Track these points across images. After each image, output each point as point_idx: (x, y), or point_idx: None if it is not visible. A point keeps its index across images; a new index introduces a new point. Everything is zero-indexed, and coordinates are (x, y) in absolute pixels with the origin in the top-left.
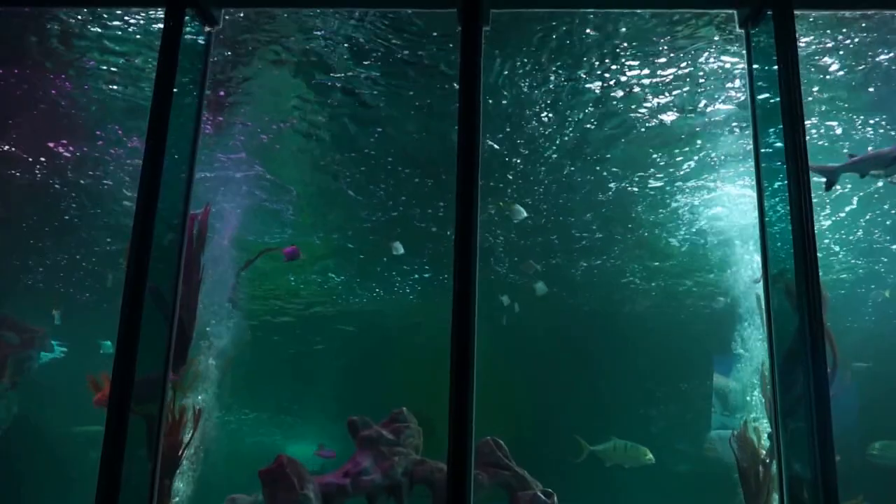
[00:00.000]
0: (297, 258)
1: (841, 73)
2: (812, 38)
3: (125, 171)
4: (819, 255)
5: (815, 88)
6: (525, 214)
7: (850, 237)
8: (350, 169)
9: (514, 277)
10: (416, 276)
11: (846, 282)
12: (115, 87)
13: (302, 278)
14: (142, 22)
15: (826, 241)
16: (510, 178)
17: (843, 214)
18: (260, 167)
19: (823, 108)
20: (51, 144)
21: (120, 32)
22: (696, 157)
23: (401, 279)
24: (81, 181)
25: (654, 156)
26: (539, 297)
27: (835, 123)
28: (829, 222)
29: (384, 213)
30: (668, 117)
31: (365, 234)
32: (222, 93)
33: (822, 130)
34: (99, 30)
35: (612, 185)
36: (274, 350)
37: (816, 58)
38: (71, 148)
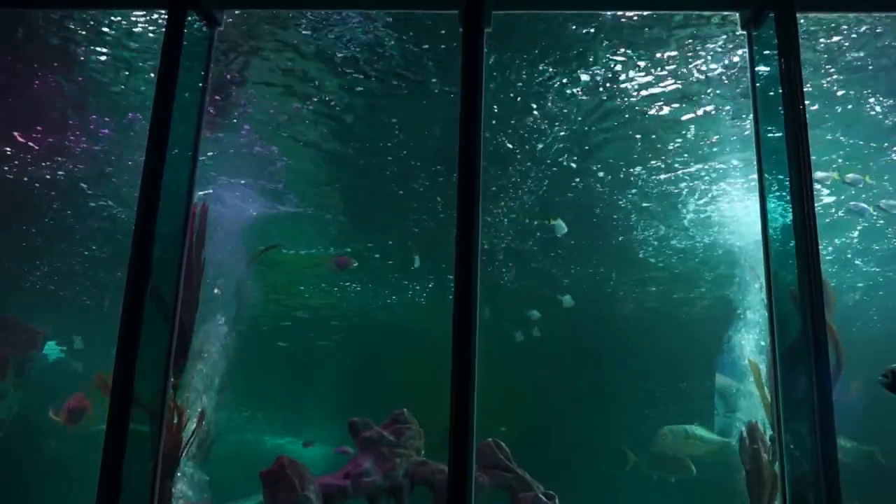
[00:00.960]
0: (349, 267)
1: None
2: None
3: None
4: (831, 268)
5: (838, 75)
6: (566, 229)
7: (875, 246)
8: (373, 173)
9: (510, 284)
10: (431, 283)
11: (860, 289)
12: (105, 80)
13: (313, 288)
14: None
15: (849, 254)
16: (511, 177)
17: (882, 222)
18: (274, 149)
19: (848, 91)
20: (19, 137)
21: (116, 19)
22: (696, 158)
23: (419, 286)
24: (47, 176)
25: (651, 156)
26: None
27: (873, 100)
28: (856, 232)
29: (409, 219)
30: (668, 118)
31: (387, 242)
32: (229, 76)
33: (870, 111)
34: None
35: (604, 188)
36: (275, 350)
37: (821, 45)
38: (59, 142)
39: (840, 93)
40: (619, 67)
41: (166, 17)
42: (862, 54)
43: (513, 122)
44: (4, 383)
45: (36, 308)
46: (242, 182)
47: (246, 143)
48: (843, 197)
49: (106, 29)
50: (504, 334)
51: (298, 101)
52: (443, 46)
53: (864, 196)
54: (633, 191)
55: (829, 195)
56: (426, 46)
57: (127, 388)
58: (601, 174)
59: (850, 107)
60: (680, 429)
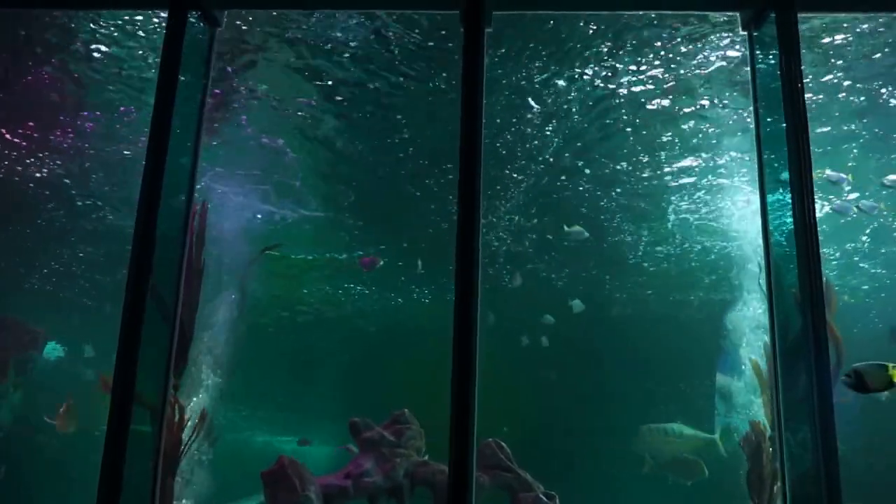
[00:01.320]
0: (375, 266)
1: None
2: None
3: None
4: (836, 271)
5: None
6: (587, 235)
7: (882, 249)
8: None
9: (509, 285)
10: (435, 285)
11: (863, 291)
12: (100, 78)
13: (317, 289)
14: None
15: (856, 258)
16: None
17: None
18: (280, 141)
19: (856, 84)
20: (7, 134)
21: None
22: (697, 160)
23: (426, 288)
24: (37, 175)
25: (649, 157)
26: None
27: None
28: (865, 235)
29: (426, 220)
30: (666, 120)
31: (401, 244)
32: (229, 68)
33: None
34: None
35: (604, 190)
36: (276, 350)
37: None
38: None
39: (846, 83)
40: (616, 67)
41: (166, 17)
42: (879, 55)
43: (514, 119)
44: (5, 384)
45: (36, 308)
46: (253, 177)
47: (251, 143)
48: (867, 193)
49: (102, 29)
50: (505, 336)
51: (302, 100)
52: (450, 45)
53: (885, 193)
54: (629, 191)
55: (850, 191)
56: (431, 43)
57: (128, 387)
58: (589, 173)
59: (862, 98)
60: (659, 427)
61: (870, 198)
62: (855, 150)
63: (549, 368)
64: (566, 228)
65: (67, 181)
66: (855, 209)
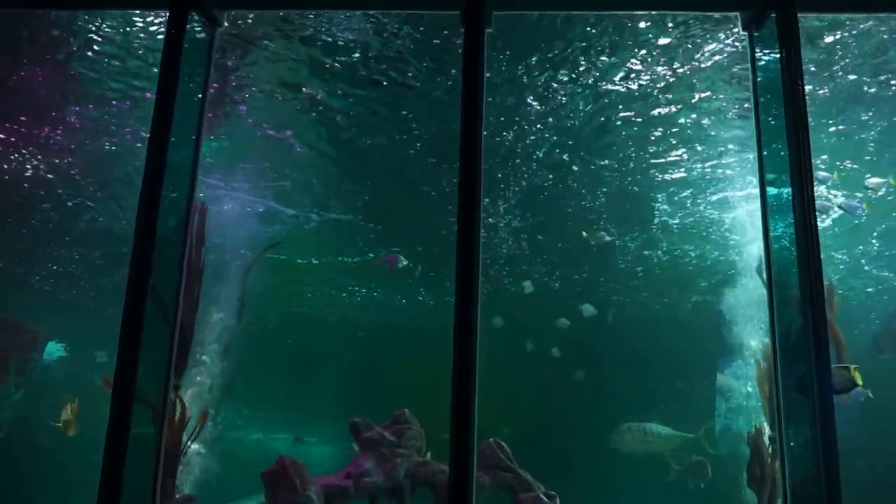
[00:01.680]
0: (398, 264)
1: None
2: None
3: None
4: (842, 273)
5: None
6: (608, 238)
7: (887, 252)
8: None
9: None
10: (442, 287)
11: (869, 294)
12: (97, 77)
13: (321, 290)
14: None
15: (863, 261)
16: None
17: None
18: (288, 132)
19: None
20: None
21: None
22: (697, 161)
23: (431, 290)
24: (26, 174)
25: (647, 157)
26: (528, 297)
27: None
28: (874, 238)
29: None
30: (666, 121)
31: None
32: (229, 62)
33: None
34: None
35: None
36: (279, 350)
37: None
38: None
39: (852, 77)
40: (614, 67)
41: (167, 17)
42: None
43: (517, 118)
44: (6, 384)
45: (36, 308)
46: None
47: (257, 146)
48: (889, 190)
49: (96, 34)
50: (505, 336)
51: (301, 103)
52: (459, 42)
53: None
54: (625, 192)
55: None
56: (436, 42)
57: (128, 388)
58: (578, 170)
59: (874, 90)
60: (638, 426)
61: (888, 197)
62: (871, 146)
63: (550, 368)
64: (585, 234)
65: (59, 180)
66: (837, 208)
